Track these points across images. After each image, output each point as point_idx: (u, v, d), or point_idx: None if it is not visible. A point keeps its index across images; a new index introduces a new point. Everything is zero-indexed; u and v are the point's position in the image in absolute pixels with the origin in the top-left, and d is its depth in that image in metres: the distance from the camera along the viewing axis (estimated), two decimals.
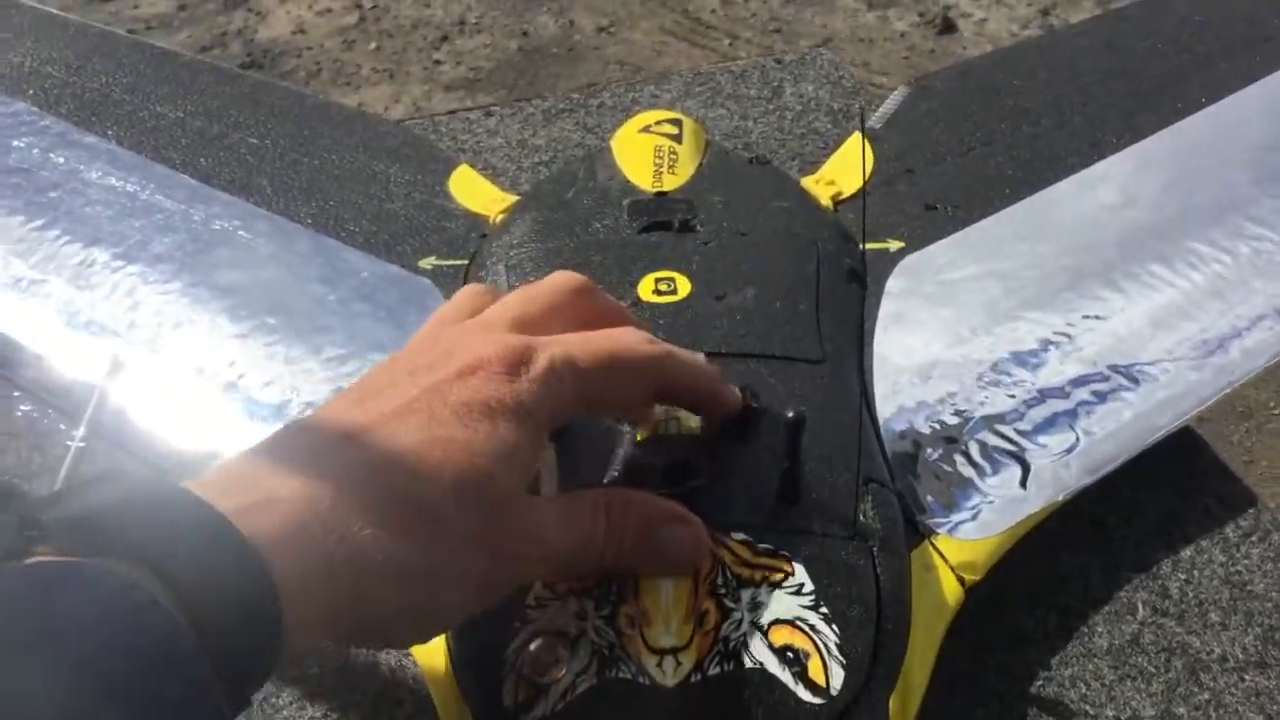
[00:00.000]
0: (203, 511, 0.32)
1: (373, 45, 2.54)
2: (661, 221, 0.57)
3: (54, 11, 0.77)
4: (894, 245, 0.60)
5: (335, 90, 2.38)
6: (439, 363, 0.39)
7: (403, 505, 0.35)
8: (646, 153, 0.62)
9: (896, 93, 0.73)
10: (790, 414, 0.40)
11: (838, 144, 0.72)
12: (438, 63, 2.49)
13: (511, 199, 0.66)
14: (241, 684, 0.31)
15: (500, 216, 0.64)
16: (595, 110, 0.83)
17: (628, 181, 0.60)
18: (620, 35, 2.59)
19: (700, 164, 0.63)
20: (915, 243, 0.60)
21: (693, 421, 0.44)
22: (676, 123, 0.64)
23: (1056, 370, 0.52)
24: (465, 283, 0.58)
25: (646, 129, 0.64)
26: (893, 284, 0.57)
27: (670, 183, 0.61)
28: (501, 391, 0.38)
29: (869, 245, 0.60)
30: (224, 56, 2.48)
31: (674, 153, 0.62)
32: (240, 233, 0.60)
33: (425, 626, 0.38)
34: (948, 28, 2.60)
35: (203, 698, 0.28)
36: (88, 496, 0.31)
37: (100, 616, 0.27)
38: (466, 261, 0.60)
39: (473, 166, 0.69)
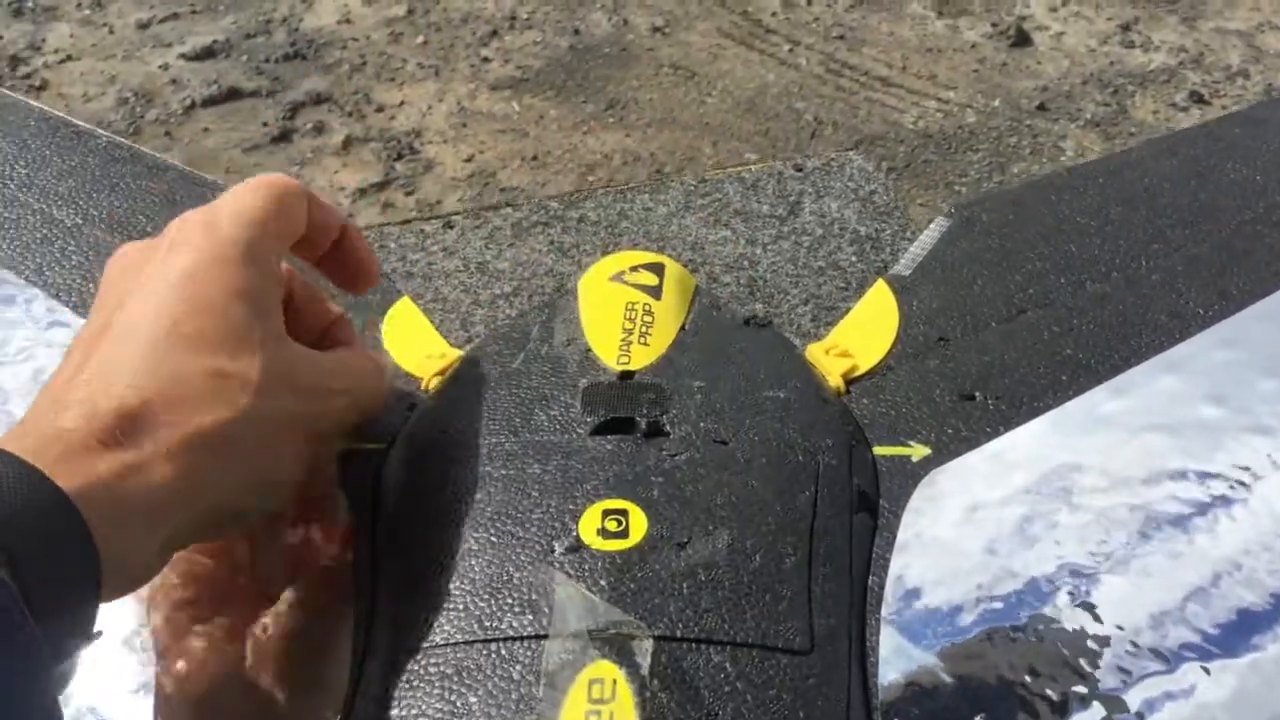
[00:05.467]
0: (29, 475, 0.32)
1: (420, 39, 2.46)
2: (622, 419, 0.46)
3: None
4: (918, 452, 0.48)
5: (378, 87, 2.31)
6: (137, 264, 0.40)
7: (183, 381, 0.36)
8: (615, 311, 0.51)
9: (932, 226, 0.60)
10: None
11: (861, 284, 0.61)
12: (485, 60, 2.41)
13: (454, 355, 0.55)
14: (59, 606, 0.32)
15: (435, 382, 0.53)
16: (574, 226, 0.74)
17: (588, 351, 0.50)
18: (675, 36, 2.48)
19: (682, 327, 0.52)
20: (945, 449, 0.48)
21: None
22: (657, 269, 0.53)
23: (1127, 659, 0.41)
24: (382, 478, 0.48)
25: (619, 276, 0.53)
26: (914, 507, 0.46)
27: (640, 358, 0.49)
28: (210, 245, 0.39)
29: (884, 451, 0.49)
30: (268, 45, 2.41)
31: (649, 313, 0.51)
32: None
33: (268, 487, 0.40)
34: (1022, 40, 2.46)
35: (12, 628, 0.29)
36: None
37: None
38: (385, 446, 0.49)
39: (418, 299, 0.59)
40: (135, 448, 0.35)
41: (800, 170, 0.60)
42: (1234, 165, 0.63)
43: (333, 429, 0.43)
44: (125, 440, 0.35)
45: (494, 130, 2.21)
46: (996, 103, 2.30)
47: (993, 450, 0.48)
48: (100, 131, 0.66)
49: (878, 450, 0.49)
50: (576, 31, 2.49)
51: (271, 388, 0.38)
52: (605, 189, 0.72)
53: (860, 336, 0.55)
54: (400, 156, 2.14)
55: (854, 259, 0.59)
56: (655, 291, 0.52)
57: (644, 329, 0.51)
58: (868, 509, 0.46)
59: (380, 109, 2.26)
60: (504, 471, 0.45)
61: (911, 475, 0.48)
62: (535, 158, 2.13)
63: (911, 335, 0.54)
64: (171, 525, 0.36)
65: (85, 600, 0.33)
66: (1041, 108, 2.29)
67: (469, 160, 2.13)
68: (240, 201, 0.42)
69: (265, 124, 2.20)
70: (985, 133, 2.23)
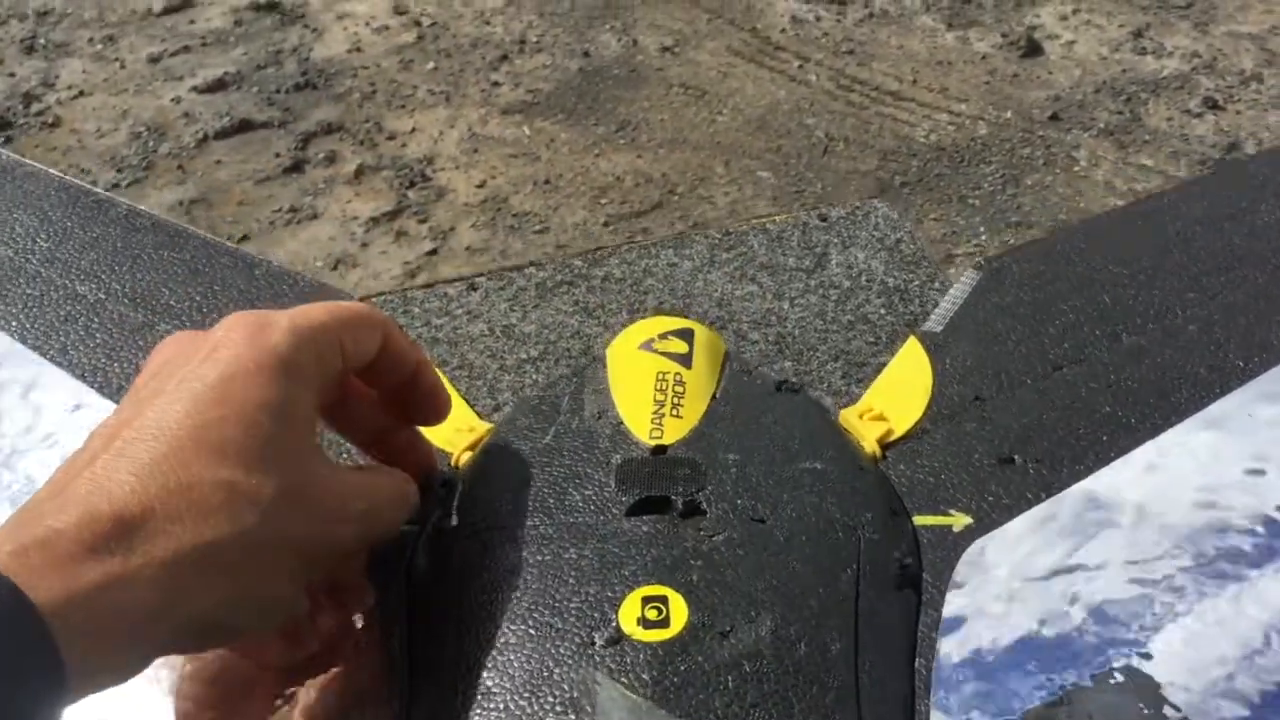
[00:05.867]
0: None
1: (430, 65, 2.46)
2: (658, 498, 0.45)
3: None
4: (959, 521, 0.47)
5: (389, 114, 2.31)
6: (179, 359, 0.40)
7: (192, 491, 0.35)
8: (646, 382, 0.51)
9: (963, 280, 0.59)
10: None
11: (891, 339, 0.60)
12: (496, 84, 2.41)
13: (483, 429, 0.54)
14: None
15: (465, 457, 0.52)
16: (599, 285, 0.72)
17: (620, 424, 0.49)
18: (685, 55, 2.48)
19: (713, 396, 0.51)
20: (987, 517, 0.47)
21: None
22: (686, 335, 0.52)
23: None
24: (414, 564, 0.47)
25: (648, 344, 0.52)
26: (958, 581, 0.44)
27: (673, 432, 0.48)
28: (254, 353, 0.39)
29: (925, 520, 0.47)
30: (279, 76, 2.42)
31: (680, 383, 0.50)
32: None
33: (261, 607, 0.38)
34: (1033, 50, 2.46)
35: None
36: None
37: None
38: (418, 529, 0.48)
39: (444, 366, 0.58)
40: (124, 557, 0.34)
41: (825, 220, 0.59)
42: (1267, 206, 0.62)
43: (339, 553, 0.42)
44: (116, 549, 0.34)
45: (505, 155, 2.21)
46: (1008, 114, 2.29)
47: (1036, 517, 0.47)
48: (120, 200, 0.65)
49: (918, 520, 0.48)
50: (586, 54, 2.49)
51: (281, 508, 0.37)
52: (629, 245, 0.70)
53: (894, 398, 0.54)
54: (412, 184, 2.14)
55: (883, 311, 0.57)
56: (685, 360, 0.52)
57: (675, 400, 0.50)
58: (911, 585, 0.45)
59: (392, 137, 2.26)
60: (540, 557, 0.44)
61: (954, 546, 0.47)
62: (547, 181, 2.13)
63: (946, 395, 0.53)
64: (151, 637, 0.35)
65: (46, 714, 0.32)
66: (1054, 118, 2.28)
67: (481, 186, 2.13)
68: (302, 314, 0.41)
69: (277, 155, 2.20)
70: (998, 144, 2.22)
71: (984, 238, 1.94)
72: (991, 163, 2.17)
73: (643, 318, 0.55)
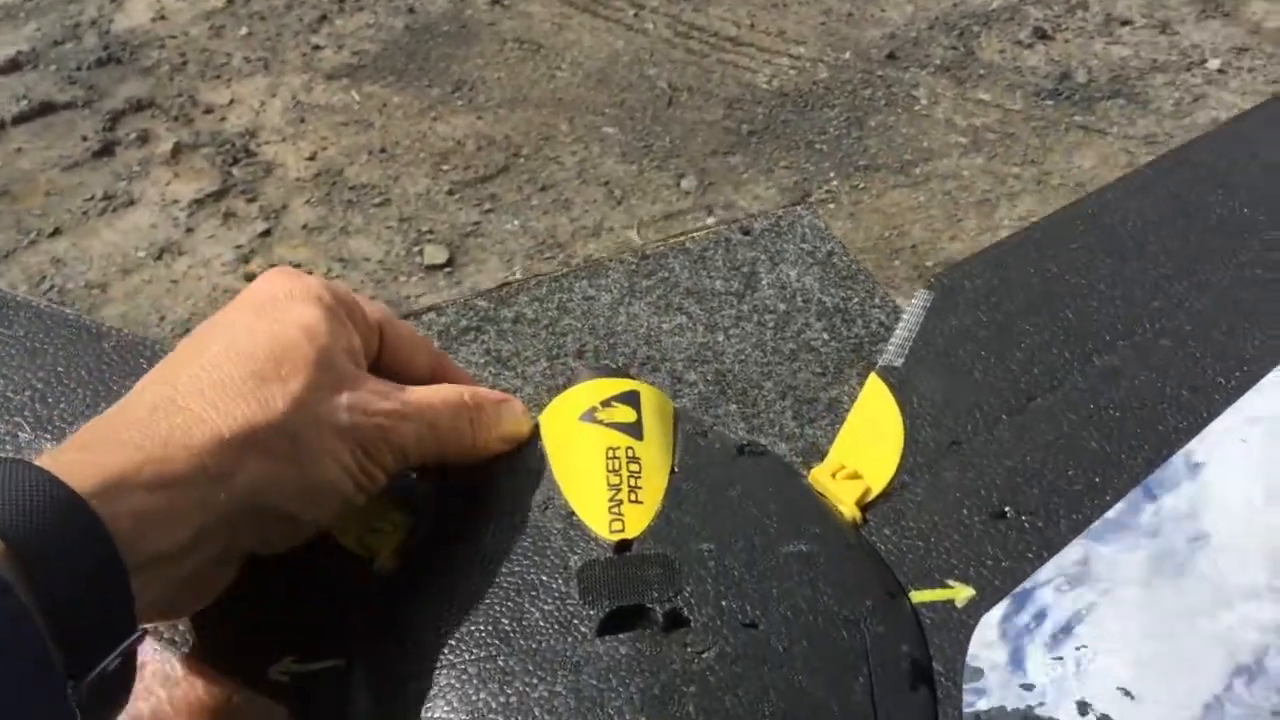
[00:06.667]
0: (32, 475, 0.33)
1: (243, 30, 2.30)
2: (632, 608, 0.39)
3: None
4: (960, 594, 0.42)
5: (204, 86, 2.16)
6: (235, 301, 0.44)
7: (224, 386, 0.38)
8: (595, 462, 0.43)
9: (915, 302, 0.53)
10: None
11: (839, 367, 0.53)
12: (317, 48, 2.27)
13: (403, 524, 0.45)
14: (92, 612, 0.33)
15: (388, 561, 0.43)
16: (510, 329, 0.65)
17: (572, 515, 0.41)
18: (516, 8, 2.39)
19: (672, 470, 0.44)
20: (988, 585, 0.41)
21: None
22: (632, 399, 0.45)
23: None
24: (352, 705, 0.40)
25: (590, 414, 0.45)
26: (972, 670, 0.39)
27: (635, 522, 0.41)
28: (288, 285, 0.43)
29: (924, 596, 0.42)
30: (78, 51, 2.23)
31: (634, 460, 0.43)
32: None
33: (309, 490, 0.40)
34: None
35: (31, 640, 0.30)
36: None
37: None
38: (342, 663, 0.40)
39: None
40: (163, 441, 0.36)
41: (748, 234, 0.53)
42: (1217, 199, 0.59)
43: (403, 450, 0.42)
44: (150, 435, 0.36)
45: (335, 123, 2.09)
46: (847, 55, 2.28)
47: (1045, 583, 0.42)
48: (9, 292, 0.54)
49: (916, 597, 0.42)
50: (411, 10, 2.37)
51: (314, 397, 0.39)
52: (538, 279, 0.62)
53: (865, 449, 0.48)
54: (236, 160, 2.00)
55: (825, 336, 0.52)
56: (635, 430, 0.45)
57: (632, 481, 0.43)
58: (924, 681, 0.39)
59: (209, 110, 2.11)
60: (502, 699, 0.37)
61: (960, 625, 0.41)
62: (383, 150, 2.03)
63: (920, 441, 0.48)
64: (200, 513, 0.36)
65: (111, 590, 0.33)
66: (891, 56, 2.27)
67: (312, 158, 2.01)
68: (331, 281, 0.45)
69: (84, 138, 2.04)
70: (839, 87, 2.20)
71: (835, 183, 1.92)
72: (835, 106, 2.15)
73: (563, 364, 0.48)
